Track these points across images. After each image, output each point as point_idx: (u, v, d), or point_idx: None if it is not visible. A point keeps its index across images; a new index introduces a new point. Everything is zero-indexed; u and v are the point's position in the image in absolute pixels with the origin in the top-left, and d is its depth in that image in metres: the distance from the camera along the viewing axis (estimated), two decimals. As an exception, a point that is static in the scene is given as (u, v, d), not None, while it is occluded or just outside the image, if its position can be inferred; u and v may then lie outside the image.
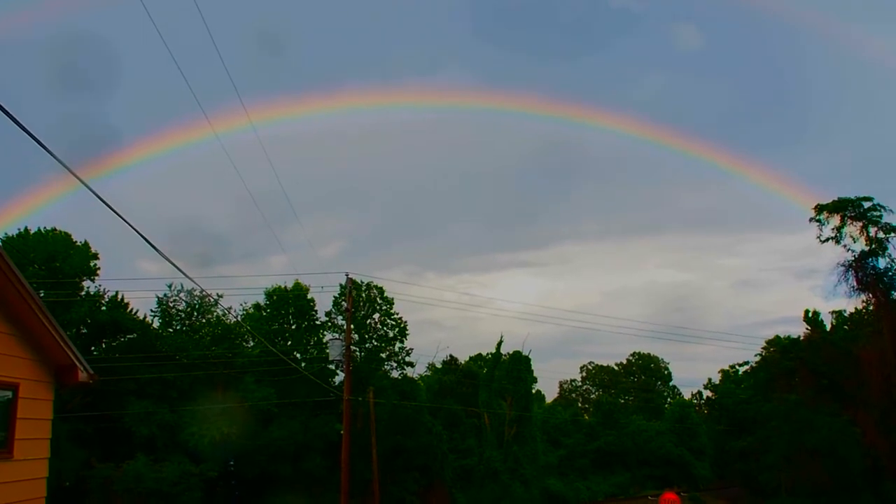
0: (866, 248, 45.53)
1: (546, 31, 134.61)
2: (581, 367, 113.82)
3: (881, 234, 45.29)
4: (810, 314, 55.66)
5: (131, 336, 48.12)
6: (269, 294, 53.83)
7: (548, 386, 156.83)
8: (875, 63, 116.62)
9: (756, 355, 63.33)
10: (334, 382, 51.74)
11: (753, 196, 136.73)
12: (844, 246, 45.80)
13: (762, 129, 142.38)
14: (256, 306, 54.18)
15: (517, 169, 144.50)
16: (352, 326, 48.86)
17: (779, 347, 57.03)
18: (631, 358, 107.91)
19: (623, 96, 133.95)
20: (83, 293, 46.48)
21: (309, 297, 54.23)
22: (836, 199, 46.51)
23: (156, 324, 50.58)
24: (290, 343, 53.55)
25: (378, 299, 55.89)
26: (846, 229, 45.91)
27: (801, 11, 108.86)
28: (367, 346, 55.56)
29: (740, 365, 74.69)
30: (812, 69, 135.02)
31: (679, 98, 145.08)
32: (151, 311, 50.75)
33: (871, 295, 45.61)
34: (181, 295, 50.84)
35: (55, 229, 46.79)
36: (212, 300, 48.95)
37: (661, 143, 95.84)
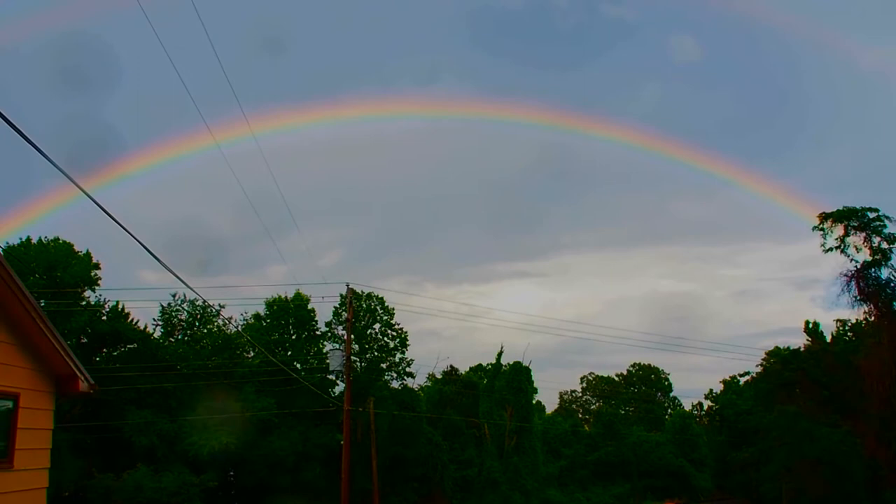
0: (869, 259, 45.53)
1: (543, 41, 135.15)
2: (581, 378, 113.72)
3: (884, 245, 45.28)
4: (811, 325, 55.74)
5: (132, 346, 48.13)
6: (270, 304, 53.85)
7: (548, 396, 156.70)
8: (874, 72, 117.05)
9: (757, 366, 63.42)
10: (334, 393, 51.74)
11: (753, 206, 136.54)
12: (848, 256, 45.81)
13: (761, 139, 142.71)
14: (257, 316, 54.22)
15: (516, 178, 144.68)
16: (352, 337, 48.86)
17: (779, 358, 57.03)
18: (631, 369, 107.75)
19: (621, 106, 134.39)
20: (84, 303, 46.50)
21: (309, 307, 54.28)
22: (840, 207, 46.47)
23: (157, 333, 50.68)
24: (290, 353, 53.58)
25: (378, 309, 55.94)
26: (849, 239, 45.91)
27: (799, 21, 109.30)
28: (367, 356, 55.58)
29: (741, 375, 74.85)
30: (810, 78, 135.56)
31: (678, 107, 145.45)
32: (154, 319, 50.90)
33: (872, 305, 45.57)
34: (183, 305, 50.99)
35: (57, 238, 46.90)
36: (213, 310, 49.09)
37: (661, 153, 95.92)
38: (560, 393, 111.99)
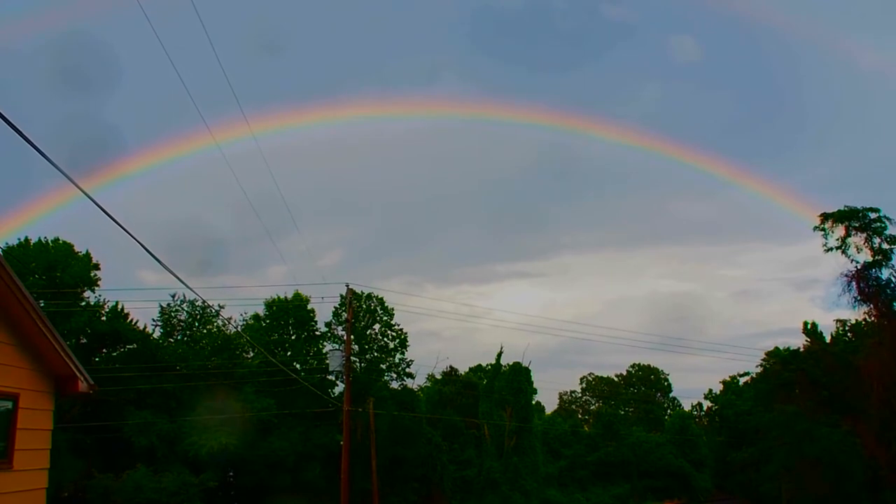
0: (870, 259, 45.46)
1: (543, 42, 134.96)
2: (581, 379, 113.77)
3: (885, 245, 45.23)
4: (809, 326, 55.77)
5: (131, 346, 48.14)
6: (269, 305, 53.83)
7: (547, 397, 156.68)
8: (874, 72, 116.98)
9: (757, 366, 63.44)
10: (334, 393, 51.73)
11: (753, 206, 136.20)
12: (849, 257, 45.74)
13: (761, 139, 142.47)
14: (256, 317, 54.19)
15: (516, 178, 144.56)
16: (352, 337, 48.83)
17: (779, 359, 57.03)
18: (631, 369, 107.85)
19: (621, 106, 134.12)
20: (83, 303, 46.50)
21: (309, 307, 54.26)
22: (842, 208, 46.38)
23: (157, 334, 50.71)
24: (289, 354, 53.55)
25: (378, 310, 55.93)
26: (850, 239, 45.83)
27: (799, 21, 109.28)
28: (367, 356, 55.56)
29: (741, 375, 74.92)
30: (810, 78, 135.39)
31: (678, 108, 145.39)
32: (153, 320, 50.94)
33: (872, 306, 45.52)
34: (183, 305, 51.00)
35: (57, 239, 46.93)
36: (213, 311, 49.09)
37: (661, 153, 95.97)
38: (560, 393, 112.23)
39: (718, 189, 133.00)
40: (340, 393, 49.05)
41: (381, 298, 56.13)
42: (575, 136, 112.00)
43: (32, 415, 14.10)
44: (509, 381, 60.42)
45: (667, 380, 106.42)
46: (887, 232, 45.00)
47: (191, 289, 18.28)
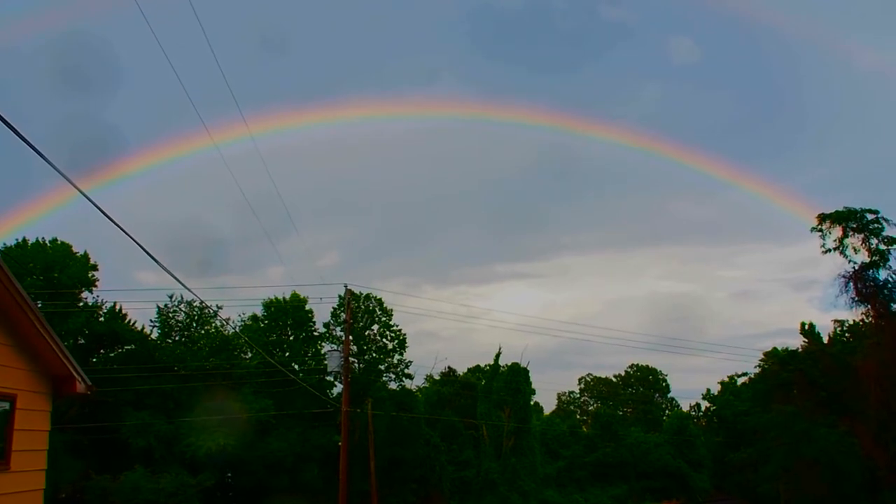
0: (867, 260, 45.49)
1: (543, 42, 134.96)
2: (579, 379, 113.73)
3: (882, 246, 45.26)
4: (806, 326, 55.85)
5: (129, 347, 48.12)
6: (267, 305, 53.80)
7: (546, 397, 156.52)
8: (873, 72, 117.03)
9: (755, 367, 63.50)
10: (332, 394, 51.73)
11: (752, 207, 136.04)
12: (846, 257, 45.76)
13: (761, 140, 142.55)
14: (254, 317, 54.16)
15: (516, 179, 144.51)
16: (350, 338, 48.81)
17: (777, 359, 57.09)
18: (629, 370, 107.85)
19: (621, 107, 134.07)
20: (81, 304, 46.47)
21: (307, 308, 54.25)
22: (840, 208, 46.38)
23: (155, 334, 50.69)
24: (288, 354, 53.50)
25: (377, 311, 55.91)
26: (848, 240, 45.85)
27: (799, 21, 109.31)
28: (365, 357, 55.54)
29: (739, 376, 74.98)
30: (810, 79, 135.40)
31: (677, 108, 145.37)
32: (151, 320, 50.93)
33: (870, 307, 45.56)
34: (181, 306, 50.97)
35: (55, 239, 46.92)
36: (211, 311, 49.06)
37: (660, 154, 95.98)
38: (558, 394, 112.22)
39: (718, 190, 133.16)
40: (339, 394, 49.04)
41: (380, 299, 56.22)
42: (575, 136, 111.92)
43: (30, 416, 14.09)
44: (508, 381, 60.33)
45: (665, 380, 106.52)
46: (885, 233, 45.05)
47: (189, 289, 18.31)
